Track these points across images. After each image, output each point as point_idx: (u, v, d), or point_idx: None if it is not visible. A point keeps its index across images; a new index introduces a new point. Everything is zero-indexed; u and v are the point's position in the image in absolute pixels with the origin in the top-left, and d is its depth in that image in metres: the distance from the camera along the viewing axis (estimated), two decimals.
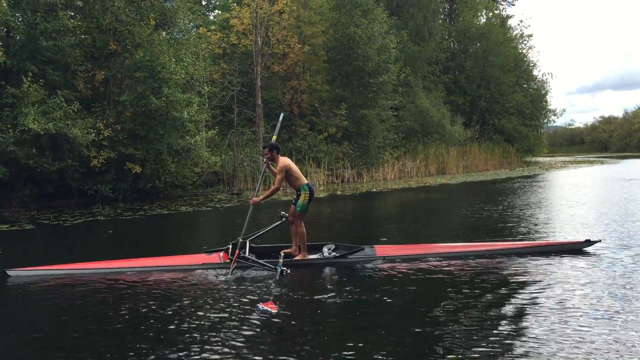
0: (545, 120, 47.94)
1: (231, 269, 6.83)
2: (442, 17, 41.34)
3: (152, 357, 4.20)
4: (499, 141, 39.35)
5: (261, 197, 7.66)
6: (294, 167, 7.59)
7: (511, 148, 40.45)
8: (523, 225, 10.65)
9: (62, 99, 15.31)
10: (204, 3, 30.96)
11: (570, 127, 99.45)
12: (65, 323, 5.19)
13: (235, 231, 9.17)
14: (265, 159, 7.75)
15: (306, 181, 7.61)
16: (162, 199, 17.74)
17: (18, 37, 15.59)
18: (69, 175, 16.11)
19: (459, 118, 34.95)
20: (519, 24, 55.49)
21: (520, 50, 45.27)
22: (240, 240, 7.18)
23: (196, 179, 19.83)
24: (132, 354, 4.28)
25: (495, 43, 39.84)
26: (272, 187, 7.49)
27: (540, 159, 50.62)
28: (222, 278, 6.70)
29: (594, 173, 29.97)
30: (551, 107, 47.04)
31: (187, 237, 10.76)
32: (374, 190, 21.05)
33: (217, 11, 30.72)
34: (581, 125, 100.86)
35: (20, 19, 15.32)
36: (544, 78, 46.83)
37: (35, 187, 16.03)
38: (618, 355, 4.06)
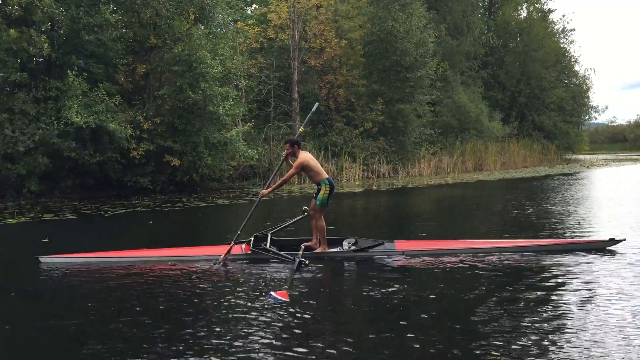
0: (587, 117, 46.91)
1: (220, 261, 7.05)
2: (481, 11, 40.69)
3: (154, 344, 4.29)
4: (539, 138, 38.58)
5: (269, 189, 7.82)
6: (313, 163, 7.60)
7: (551, 145, 39.59)
8: (557, 222, 10.44)
9: (104, 92, 15.65)
10: None
11: (613, 124, 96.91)
12: (90, 308, 5.33)
13: (266, 223, 9.26)
14: (284, 154, 7.86)
15: (326, 176, 7.62)
16: (199, 192, 17.98)
17: (62, 31, 15.96)
18: (109, 167, 16.47)
19: (497, 114, 34.40)
20: (561, 19, 54.39)
21: (561, 45, 44.26)
22: (239, 232, 7.35)
23: (232, 172, 20.02)
24: (143, 338, 4.41)
25: (536, 38, 38.97)
26: (281, 179, 7.66)
27: (580, 157, 49.48)
28: (243, 269, 6.90)
29: (637, 171, 29.13)
30: (593, 103, 45.98)
31: (222, 228, 10.88)
32: (410, 185, 20.91)
33: (254, 5, 30.86)
34: (624, 123, 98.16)
35: (64, 13, 15.66)
36: (586, 74, 45.82)
37: (77, 178, 16.44)
38: None
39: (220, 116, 17.44)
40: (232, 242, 7.23)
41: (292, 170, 7.51)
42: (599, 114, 49.86)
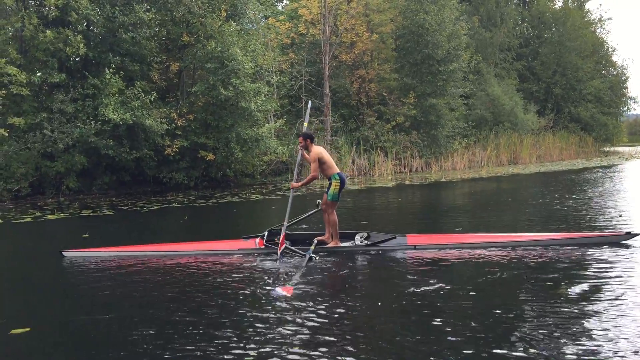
0: (625, 108, 45.87)
1: (279, 254, 7.05)
2: (515, 1, 39.98)
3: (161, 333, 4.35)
4: (575, 130, 37.76)
5: (300, 183, 7.94)
6: (326, 157, 7.74)
7: (588, 137, 38.73)
8: (587, 216, 10.28)
9: (140, 90, 15.92)
10: None
11: None
12: (108, 302, 5.47)
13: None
14: (299, 147, 8.02)
15: (337, 170, 7.73)
16: (232, 187, 18.17)
17: (97, 31, 16.26)
18: (145, 164, 16.76)
19: (532, 106, 33.80)
20: (598, 8, 53.15)
21: (598, 35, 43.25)
22: (285, 224, 7.36)
23: (265, 167, 20.15)
24: (152, 329, 4.46)
25: (572, 28, 38.14)
26: (310, 176, 7.69)
27: (619, 149, 48.30)
28: (256, 263, 6.98)
29: None
30: (632, 94, 44.96)
31: (255, 223, 10.97)
32: (443, 180, 20.71)
33: (285, 1, 30.94)
34: None
35: (99, 12, 15.96)
36: (624, 63, 44.88)
37: (114, 175, 16.78)
38: None
39: (252, 112, 17.54)
40: (283, 235, 7.26)
41: (313, 165, 7.60)
42: (638, 105, 48.75)
